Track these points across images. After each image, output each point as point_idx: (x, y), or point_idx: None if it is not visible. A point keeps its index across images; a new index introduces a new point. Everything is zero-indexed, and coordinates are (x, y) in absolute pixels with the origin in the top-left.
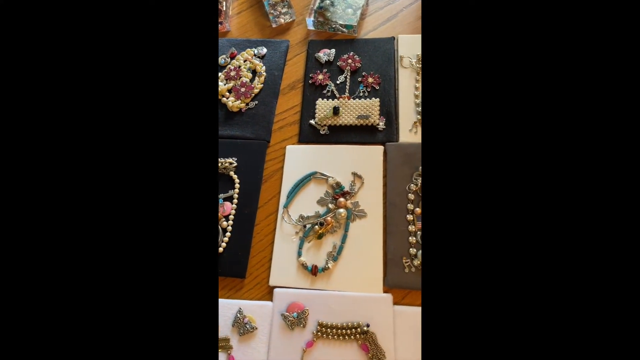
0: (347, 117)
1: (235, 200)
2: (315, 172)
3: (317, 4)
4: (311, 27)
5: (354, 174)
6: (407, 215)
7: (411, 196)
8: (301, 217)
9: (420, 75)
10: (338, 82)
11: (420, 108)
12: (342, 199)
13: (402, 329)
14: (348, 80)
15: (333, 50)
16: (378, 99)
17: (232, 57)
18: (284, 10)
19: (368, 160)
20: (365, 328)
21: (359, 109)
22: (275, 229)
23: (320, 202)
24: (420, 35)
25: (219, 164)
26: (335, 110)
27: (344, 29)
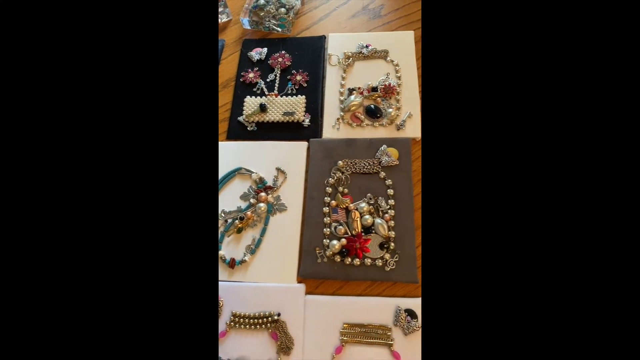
0: (274, 114)
1: None
2: (240, 168)
3: (252, 4)
4: (247, 27)
5: (278, 169)
6: (324, 208)
7: (329, 189)
8: (223, 212)
9: (346, 72)
10: (268, 80)
11: (343, 105)
12: (263, 194)
13: (311, 317)
14: (278, 78)
15: (265, 49)
16: (304, 96)
17: None
18: (220, 9)
19: (292, 155)
20: (275, 317)
21: (285, 106)
22: None
23: (243, 197)
24: (349, 34)
25: None
26: (262, 107)
27: (278, 28)
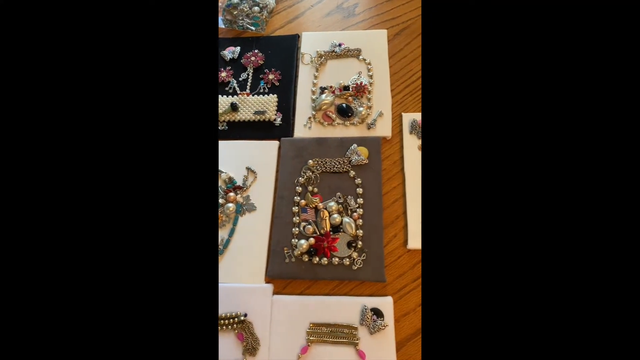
0: (245, 113)
1: None
2: None
3: (225, 2)
4: (221, 25)
5: (248, 169)
6: (294, 208)
7: (299, 189)
8: None
9: (318, 71)
10: (240, 79)
11: (314, 104)
12: (232, 194)
13: (278, 317)
14: (250, 77)
15: (238, 48)
16: (275, 95)
17: None
18: None
19: (263, 155)
20: (242, 318)
21: (257, 105)
22: None
23: None
24: (322, 33)
25: None
26: (233, 107)
27: (252, 27)
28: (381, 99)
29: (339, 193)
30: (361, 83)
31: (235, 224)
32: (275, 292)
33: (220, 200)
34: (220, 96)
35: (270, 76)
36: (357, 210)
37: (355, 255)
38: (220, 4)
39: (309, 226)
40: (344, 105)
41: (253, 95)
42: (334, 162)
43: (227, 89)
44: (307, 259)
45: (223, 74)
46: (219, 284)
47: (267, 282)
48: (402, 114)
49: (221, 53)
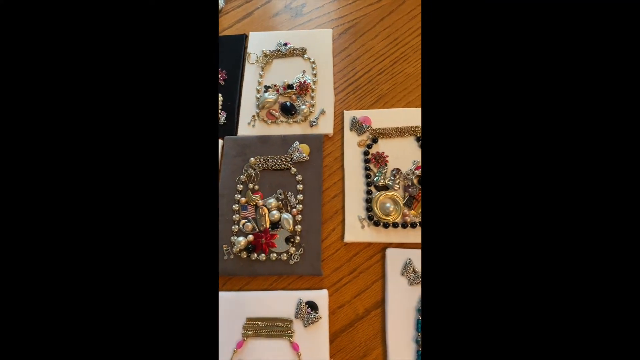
0: None
1: None
2: None
3: None
4: None
5: None
6: (234, 205)
7: (240, 187)
8: None
9: (264, 70)
10: None
11: (258, 102)
12: None
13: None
14: None
15: None
16: (220, 95)
17: None
18: None
19: None
20: None
21: None
22: None
23: None
24: (269, 33)
25: None
26: None
27: None
28: (324, 97)
29: (279, 190)
30: (305, 81)
31: None
32: None
33: None
34: None
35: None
36: (297, 206)
37: (292, 250)
38: None
39: (248, 223)
40: (287, 103)
41: None
42: (276, 160)
43: None
44: (245, 256)
45: None
46: None
47: None
48: (344, 111)
49: None
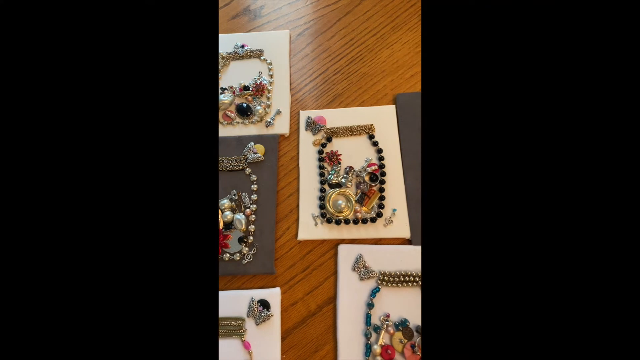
0: None
1: None
2: None
3: None
4: None
5: None
6: None
7: None
8: None
9: (221, 72)
10: None
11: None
12: None
13: None
14: None
15: None
16: None
17: None
18: None
19: None
20: None
21: None
22: None
23: None
24: (228, 35)
25: None
26: None
27: None
28: (280, 97)
29: (234, 191)
30: (261, 83)
31: None
32: None
33: None
34: None
35: None
36: (251, 206)
37: (245, 250)
38: None
39: None
40: (243, 104)
41: None
42: (230, 161)
43: None
44: None
45: None
46: None
47: None
48: (300, 111)
49: None
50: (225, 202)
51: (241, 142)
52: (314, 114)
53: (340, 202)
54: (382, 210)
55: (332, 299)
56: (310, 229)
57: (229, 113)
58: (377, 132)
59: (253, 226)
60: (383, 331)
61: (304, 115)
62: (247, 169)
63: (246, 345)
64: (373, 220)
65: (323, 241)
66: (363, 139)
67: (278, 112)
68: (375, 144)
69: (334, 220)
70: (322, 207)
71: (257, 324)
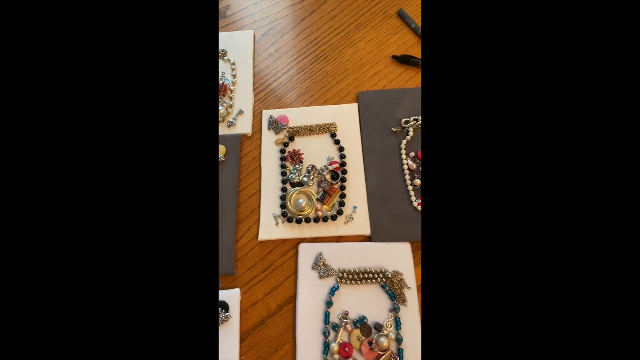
0: None
1: None
2: None
3: None
4: None
5: None
6: None
7: None
8: None
9: None
10: None
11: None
12: None
13: None
14: None
15: None
16: None
17: None
18: None
19: None
20: None
21: None
22: None
23: None
24: None
25: None
26: None
27: None
28: (243, 97)
29: None
30: (223, 83)
31: None
32: None
33: None
34: None
35: None
36: None
37: None
38: None
39: None
40: None
41: None
42: None
43: None
44: None
45: None
46: None
47: None
48: (263, 110)
49: None
50: None
51: None
52: (276, 113)
53: (301, 201)
54: (342, 208)
55: (293, 298)
56: (270, 228)
57: None
58: (339, 130)
59: None
60: (341, 329)
61: (266, 114)
62: None
63: None
64: (334, 218)
65: (284, 241)
66: (325, 138)
67: (240, 112)
68: (337, 142)
69: (294, 220)
70: (283, 206)
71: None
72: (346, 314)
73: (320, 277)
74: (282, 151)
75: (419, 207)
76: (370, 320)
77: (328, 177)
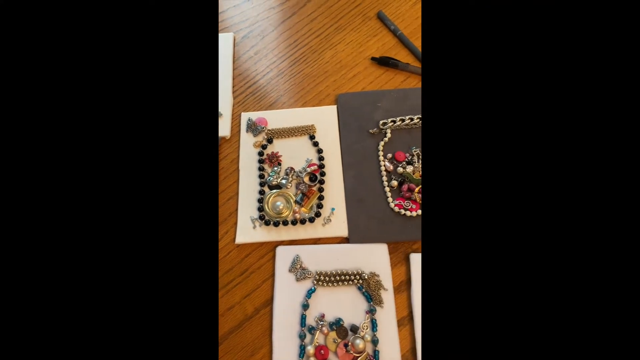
0: None
1: None
2: None
3: None
4: None
5: None
6: None
7: None
8: None
9: None
10: None
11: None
12: None
13: None
14: None
15: None
16: None
17: None
18: None
19: None
20: None
21: None
22: None
23: None
24: None
25: None
26: None
27: None
28: (223, 100)
29: None
30: None
31: None
32: None
33: None
34: None
35: None
36: None
37: None
38: None
39: None
40: None
41: None
42: None
43: None
44: None
45: None
46: None
47: None
48: (242, 113)
49: None
50: None
51: None
52: (255, 115)
53: (278, 203)
54: (320, 210)
55: (270, 301)
56: (248, 232)
57: None
58: (318, 132)
59: None
60: (318, 332)
61: (245, 117)
62: None
63: None
64: (312, 220)
65: (262, 244)
66: (304, 140)
67: (219, 115)
68: (315, 144)
69: (272, 222)
70: (260, 209)
71: None
72: (322, 316)
73: (297, 279)
74: (261, 154)
75: (396, 209)
76: (346, 323)
77: (306, 179)
